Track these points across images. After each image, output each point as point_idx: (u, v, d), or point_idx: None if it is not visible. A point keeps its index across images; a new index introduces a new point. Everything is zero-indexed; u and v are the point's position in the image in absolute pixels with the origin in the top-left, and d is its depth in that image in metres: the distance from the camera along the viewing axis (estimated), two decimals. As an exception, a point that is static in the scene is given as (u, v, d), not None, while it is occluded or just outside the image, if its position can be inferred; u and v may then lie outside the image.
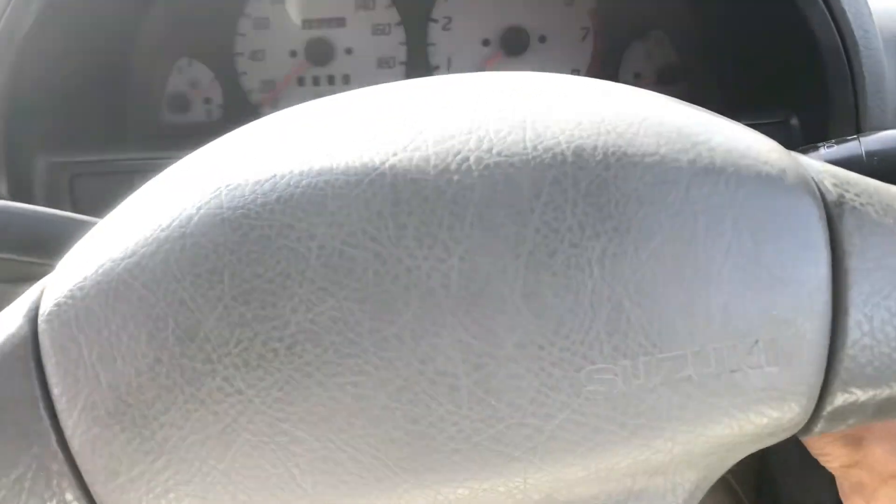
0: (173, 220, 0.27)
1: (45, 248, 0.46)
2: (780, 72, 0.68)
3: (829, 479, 0.45)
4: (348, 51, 0.81)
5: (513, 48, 0.81)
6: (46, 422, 0.28)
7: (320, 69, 0.81)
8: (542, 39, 0.81)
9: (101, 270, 0.27)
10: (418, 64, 0.81)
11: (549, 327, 0.25)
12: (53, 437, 0.28)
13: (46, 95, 0.64)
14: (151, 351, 0.26)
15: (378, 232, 0.25)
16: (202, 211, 0.27)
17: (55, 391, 0.27)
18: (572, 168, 0.26)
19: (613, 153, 0.26)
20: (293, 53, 0.81)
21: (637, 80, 0.82)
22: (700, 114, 0.29)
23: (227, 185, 0.27)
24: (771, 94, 0.70)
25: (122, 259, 0.27)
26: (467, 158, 0.26)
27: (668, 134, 0.27)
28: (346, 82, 0.82)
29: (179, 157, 0.66)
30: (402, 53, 0.81)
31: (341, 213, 0.26)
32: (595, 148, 0.26)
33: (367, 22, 0.81)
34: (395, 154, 0.26)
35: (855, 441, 0.40)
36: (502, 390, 0.25)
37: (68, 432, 0.27)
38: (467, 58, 0.81)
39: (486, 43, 0.81)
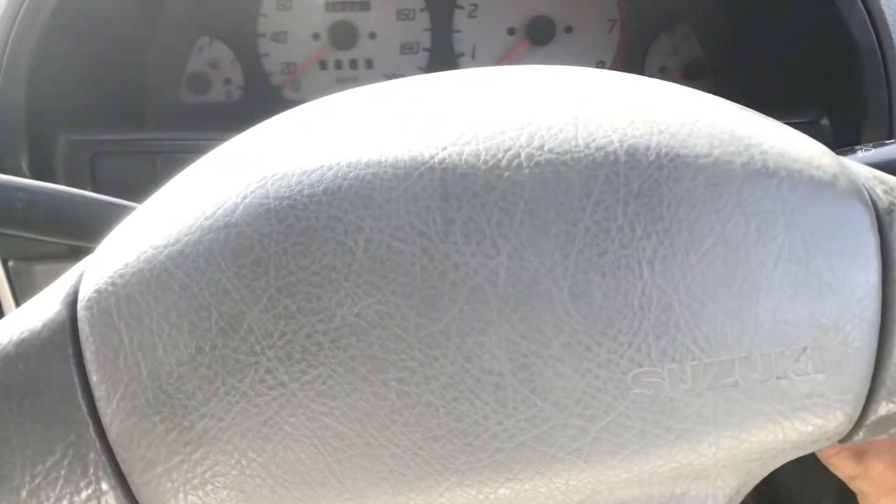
0: (217, 209, 0.27)
1: (82, 230, 0.46)
2: (812, 71, 0.68)
3: (828, 481, 0.45)
4: (372, 35, 0.81)
5: (538, 38, 0.80)
6: (84, 410, 0.27)
7: (343, 53, 0.81)
8: (569, 30, 0.81)
9: (142, 258, 0.27)
10: (442, 51, 0.81)
11: (596, 328, 0.25)
12: (91, 426, 0.27)
13: (69, 74, 0.64)
14: (193, 341, 0.26)
15: (426, 227, 0.25)
16: (247, 200, 0.26)
17: (94, 379, 0.27)
18: (624, 167, 0.25)
19: (666, 154, 0.26)
20: (316, 36, 0.80)
21: (662, 75, 0.81)
22: (751, 115, 0.29)
23: (273, 175, 0.27)
24: (801, 92, 0.69)
25: (165, 247, 0.27)
26: (518, 155, 0.26)
27: (721, 136, 0.27)
28: (369, 67, 0.81)
29: (199, 138, 0.66)
30: (426, 39, 0.81)
31: (389, 207, 0.25)
32: (648, 148, 0.26)
33: (392, 6, 0.80)
34: (444, 148, 0.26)
35: (857, 454, 0.41)
36: (548, 390, 0.25)
37: (106, 420, 0.27)
38: (492, 46, 0.81)
39: (511, 32, 0.81)
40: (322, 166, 0.26)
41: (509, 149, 0.26)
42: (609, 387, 0.25)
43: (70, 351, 0.28)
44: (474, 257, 0.25)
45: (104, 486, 0.28)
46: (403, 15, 0.80)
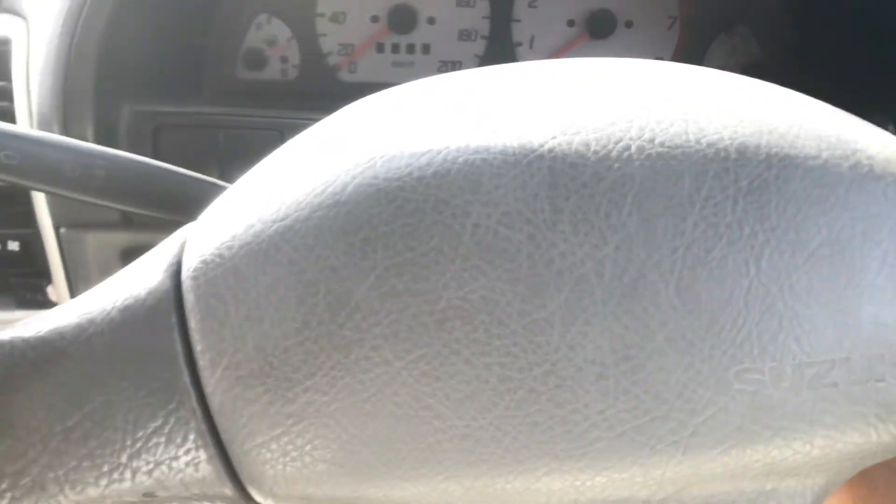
0: (327, 187, 0.27)
1: (159, 202, 0.47)
2: (879, 76, 0.67)
3: None
4: (431, 20, 0.81)
5: (598, 31, 0.80)
6: (187, 378, 0.28)
7: (400, 37, 0.81)
8: (629, 25, 0.81)
9: (250, 231, 0.27)
10: (500, 39, 0.81)
11: (700, 323, 0.25)
12: (193, 394, 0.28)
13: (137, 45, 0.65)
14: (300, 315, 0.27)
15: (534, 214, 0.25)
16: (357, 180, 0.27)
17: (198, 348, 0.28)
18: (734, 165, 0.26)
19: (776, 154, 0.26)
20: (375, 18, 0.81)
21: (720, 74, 0.81)
22: (853, 119, 0.29)
23: (382, 156, 0.27)
24: (866, 99, 0.69)
25: (274, 221, 0.27)
26: (629, 147, 0.26)
27: (828, 139, 0.27)
28: (426, 52, 0.82)
29: (258, 115, 0.67)
30: (484, 27, 0.81)
31: (497, 193, 0.26)
32: (758, 147, 0.26)
33: None
34: (553, 137, 0.26)
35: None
36: (650, 382, 0.25)
37: (209, 390, 0.28)
38: (551, 37, 0.81)
39: (570, 24, 0.81)
40: (431, 150, 0.27)
41: (619, 140, 0.26)
42: (711, 382, 0.25)
43: (174, 320, 0.28)
44: (581, 247, 0.25)
45: (203, 454, 0.28)
46: (464, 2, 0.81)
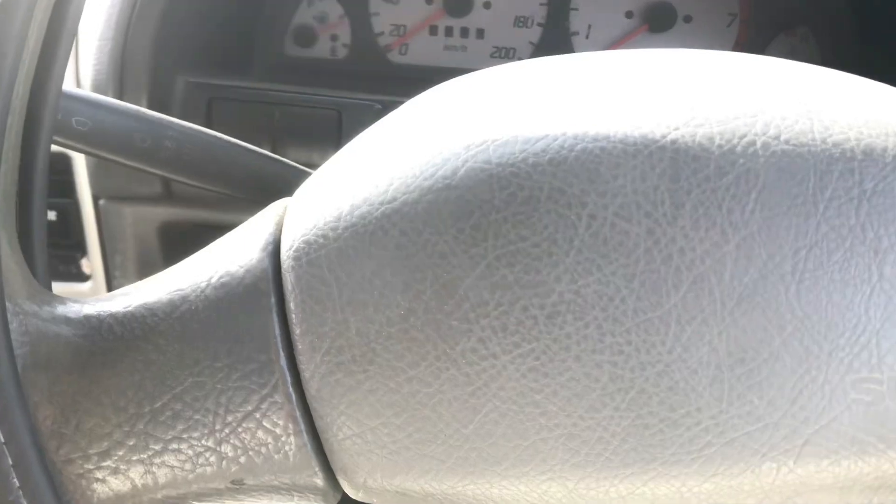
0: (437, 170, 0.26)
1: (225, 177, 0.46)
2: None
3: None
4: (486, 4, 0.80)
5: (657, 24, 0.79)
6: (284, 361, 0.27)
7: (455, 20, 0.80)
8: (688, 19, 0.79)
9: (357, 212, 0.27)
10: (557, 27, 0.80)
11: (820, 329, 0.24)
12: (289, 379, 0.27)
13: (193, 17, 0.64)
14: (406, 301, 0.26)
15: (653, 208, 0.25)
16: (469, 164, 0.26)
17: (297, 331, 0.27)
18: (860, 166, 0.25)
19: None
20: (429, 0, 0.80)
21: (778, 75, 0.80)
22: None
23: (495, 141, 0.26)
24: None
25: (381, 203, 0.26)
26: (753, 143, 0.25)
27: None
28: (480, 37, 0.81)
29: (311, 93, 0.66)
30: (541, 14, 0.80)
31: (615, 184, 0.25)
32: (885, 150, 0.25)
33: None
34: (676, 128, 0.25)
35: None
36: (765, 388, 0.25)
37: (307, 375, 0.27)
38: (608, 28, 0.80)
39: (629, 15, 0.80)
40: (547, 135, 0.26)
41: (744, 135, 0.25)
42: (826, 390, 0.25)
43: (273, 300, 0.28)
44: (702, 244, 0.24)
45: (295, 440, 0.28)
46: (521, -13, 0.80)
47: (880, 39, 0.76)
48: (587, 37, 0.80)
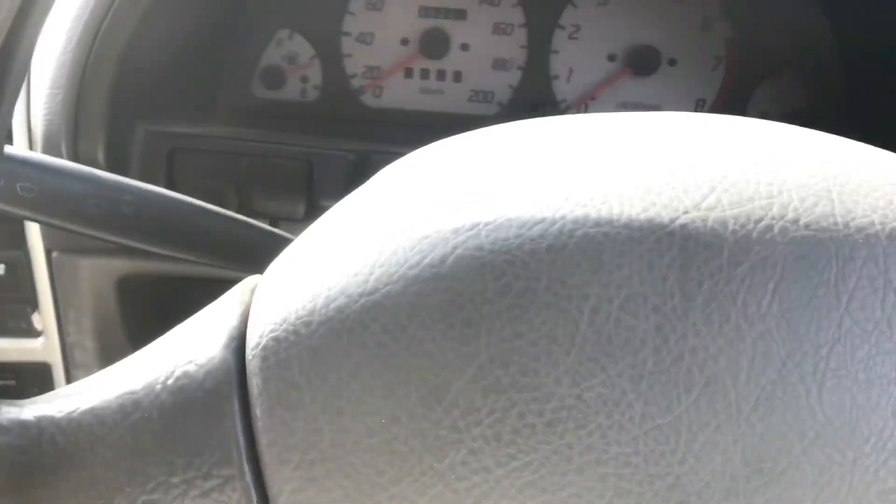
0: (424, 257, 0.23)
1: (190, 243, 0.43)
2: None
3: None
4: (464, 47, 0.77)
5: (641, 68, 0.77)
6: (248, 477, 0.24)
7: (431, 62, 0.77)
8: (672, 63, 0.77)
9: (333, 305, 0.23)
10: (537, 71, 0.77)
11: (843, 435, 0.22)
12: (255, 495, 0.24)
13: (154, 59, 0.60)
14: (388, 408, 0.23)
15: (662, 301, 0.22)
16: (458, 251, 0.23)
17: (263, 441, 0.24)
18: (885, 253, 0.22)
19: None
20: (405, 42, 0.77)
21: (764, 119, 0.78)
22: None
23: (487, 224, 0.23)
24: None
25: (360, 296, 0.23)
26: (771, 228, 0.23)
27: None
28: (457, 80, 0.78)
29: (281, 141, 0.62)
30: (521, 57, 0.77)
31: (620, 274, 0.22)
32: None
33: (490, 19, 0.77)
34: (686, 212, 0.23)
35: None
36: (784, 500, 0.22)
37: (274, 491, 0.24)
38: (590, 71, 0.77)
39: (612, 58, 0.78)
40: (545, 219, 0.23)
41: (760, 219, 0.23)
42: (850, 501, 0.22)
43: (236, 406, 0.25)
44: (715, 341, 0.22)
45: None
46: (501, 29, 0.77)
47: (867, 83, 0.75)
48: (568, 80, 0.78)
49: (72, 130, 0.56)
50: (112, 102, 0.57)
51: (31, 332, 0.72)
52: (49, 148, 0.56)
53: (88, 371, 0.69)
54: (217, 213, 0.45)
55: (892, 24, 0.69)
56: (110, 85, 0.56)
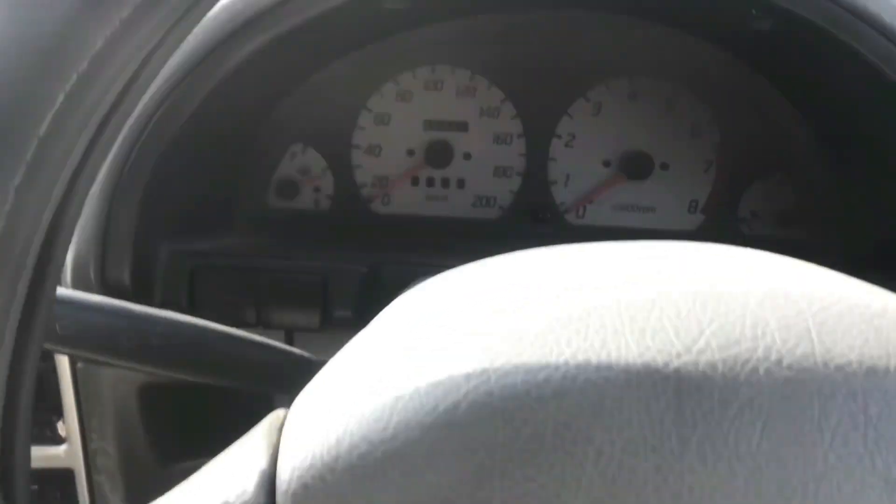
0: (438, 403, 0.25)
1: (238, 373, 0.46)
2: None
3: None
4: (467, 156, 0.82)
5: (634, 172, 0.81)
6: None
7: (436, 171, 0.82)
8: (665, 167, 0.81)
9: (356, 453, 0.25)
10: (536, 177, 0.82)
11: None
12: None
13: (176, 184, 0.65)
14: None
15: (660, 442, 0.24)
16: (470, 397, 0.25)
17: None
18: (863, 389, 0.24)
19: None
20: (411, 152, 0.82)
21: (754, 219, 0.82)
22: None
23: (496, 370, 0.25)
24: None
25: (381, 442, 0.25)
26: (756, 369, 0.24)
27: None
28: (461, 186, 0.82)
29: (289, 256, 0.66)
30: (520, 164, 0.82)
31: (620, 417, 0.24)
32: (887, 371, 0.25)
33: (490, 129, 0.81)
34: (678, 356, 0.25)
35: None
36: None
37: None
38: (586, 177, 0.82)
39: (606, 164, 0.82)
40: (549, 364, 0.25)
41: (747, 361, 0.24)
42: None
43: None
44: (710, 479, 0.23)
45: None
46: (501, 139, 0.82)
47: (854, 182, 0.78)
48: (566, 185, 0.82)
49: (100, 257, 0.60)
50: (138, 228, 0.61)
51: (56, 440, 0.75)
52: (78, 274, 0.60)
53: (111, 476, 0.72)
54: (239, 338, 0.47)
55: (868, 127, 0.73)
56: (136, 213, 0.60)
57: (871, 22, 0.56)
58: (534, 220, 0.82)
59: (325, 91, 0.79)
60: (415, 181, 0.82)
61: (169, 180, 0.63)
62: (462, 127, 0.82)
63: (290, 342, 0.72)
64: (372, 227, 0.82)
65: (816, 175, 0.80)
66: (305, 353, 0.49)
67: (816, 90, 0.74)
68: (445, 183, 0.82)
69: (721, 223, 0.82)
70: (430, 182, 0.82)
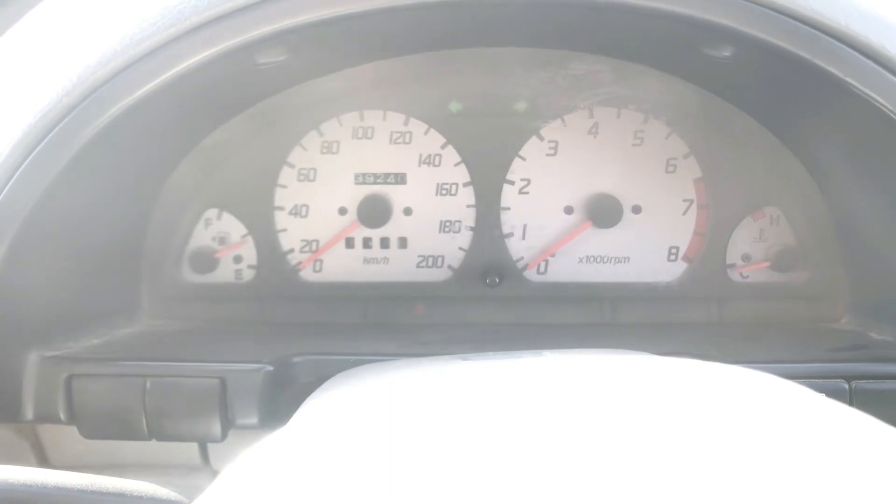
0: None
1: None
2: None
3: None
4: (407, 211, 0.74)
5: (602, 219, 0.73)
6: None
7: (373, 230, 0.74)
8: (637, 210, 0.73)
9: None
10: (488, 230, 0.73)
11: None
12: None
13: (47, 275, 0.57)
14: None
15: None
16: None
17: None
18: None
19: None
20: (343, 211, 0.74)
21: (747, 263, 0.73)
22: None
23: None
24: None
25: None
26: None
27: None
28: (403, 246, 0.74)
29: (190, 359, 0.58)
30: (469, 217, 0.74)
31: None
32: None
33: (432, 180, 0.73)
34: None
35: None
36: None
37: None
38: (547, 227, 0.73)
39: (569, 210, 0.74)
40: None
41: None
42: None
43: None
44: None
45: None
46: (445, 189, 0.74)
47: (855, 218, 0.70)
48: (524, 238, 0.74)
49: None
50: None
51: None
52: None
53: None
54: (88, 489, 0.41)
55: (855, 151, 0.64)
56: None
57: (833, 33, 0.48)
58: (489, 280, 0.74)
59: (236, 147, 0.71)
60: (349, 243, 0.74)
61: (33, 272, 0.55)
62: (399, 179, 0.74)
63: (204, 454, 0.64)
64: (302, 296, 0.74)
65: (814, 211, 0.71)
66: (172, 496, 0.42)
67: (795, 118, 0.65)
68: (385, 243, 0.74)
69: (707, 271, 0.74)
70: (367, 243, 0.74)
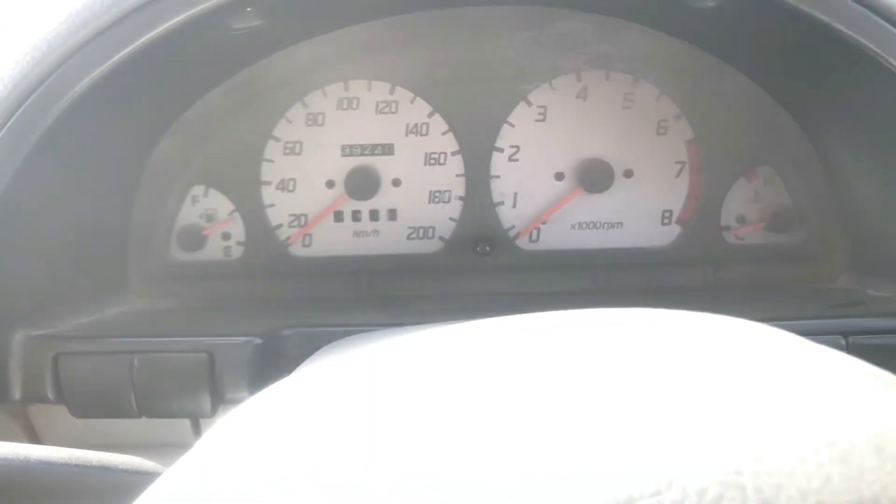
0: None
1: None
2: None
3: None
4: (395, 182, 0.73)
5: (593, 184, 0.72)
6: None
7: (362, 203, 0.74)
8: (629, 174, 0.73)
9: None
10: (479, 199, 0.73)
11: None
12: None
13: (31, 254, 0.57)
14: None
15: None
16: None
17: None
18: None
19: None
20: (330, 184, 0.73)
21: (742, 225, 0.73)
22: None
23: None
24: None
25: None
26: None
27: None
28: (392, 218, 0.74)
29: (168, 334, 0.58)
30: (459, 186, 0.73)
31: None
32: None
33: (420, 149, 0.73)
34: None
35: None
36: None
37: None
38: (537, 194, 0.73)
39: (559, 177, 0.73)
40: None
41: None
42: None
43: None
44: None
45: None
46: (433, 159, 0.73)
47: (850, 174, 0.69)
48: (514, 206, 0.73)
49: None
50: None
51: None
52: None
53: None
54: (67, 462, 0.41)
55: (848, 104, 0.63)
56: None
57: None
58: (479, 249, 0.73)
59: (220, 122, 0.71)
60: (338, 216, 0.74)
61: (4, 252, 0.55)
62: (387, 150, 0.73)
63: (197, 431, 0.64)
64: (292, 272, 0.74)
65: (809, 169, 0.71)
66: (158, 468, 0.42)
67: (786, 71, 0.65)
68: (374, 215, 0.74)
69: (701, 234, 0.73)
70: (356, 216, 0.74)
